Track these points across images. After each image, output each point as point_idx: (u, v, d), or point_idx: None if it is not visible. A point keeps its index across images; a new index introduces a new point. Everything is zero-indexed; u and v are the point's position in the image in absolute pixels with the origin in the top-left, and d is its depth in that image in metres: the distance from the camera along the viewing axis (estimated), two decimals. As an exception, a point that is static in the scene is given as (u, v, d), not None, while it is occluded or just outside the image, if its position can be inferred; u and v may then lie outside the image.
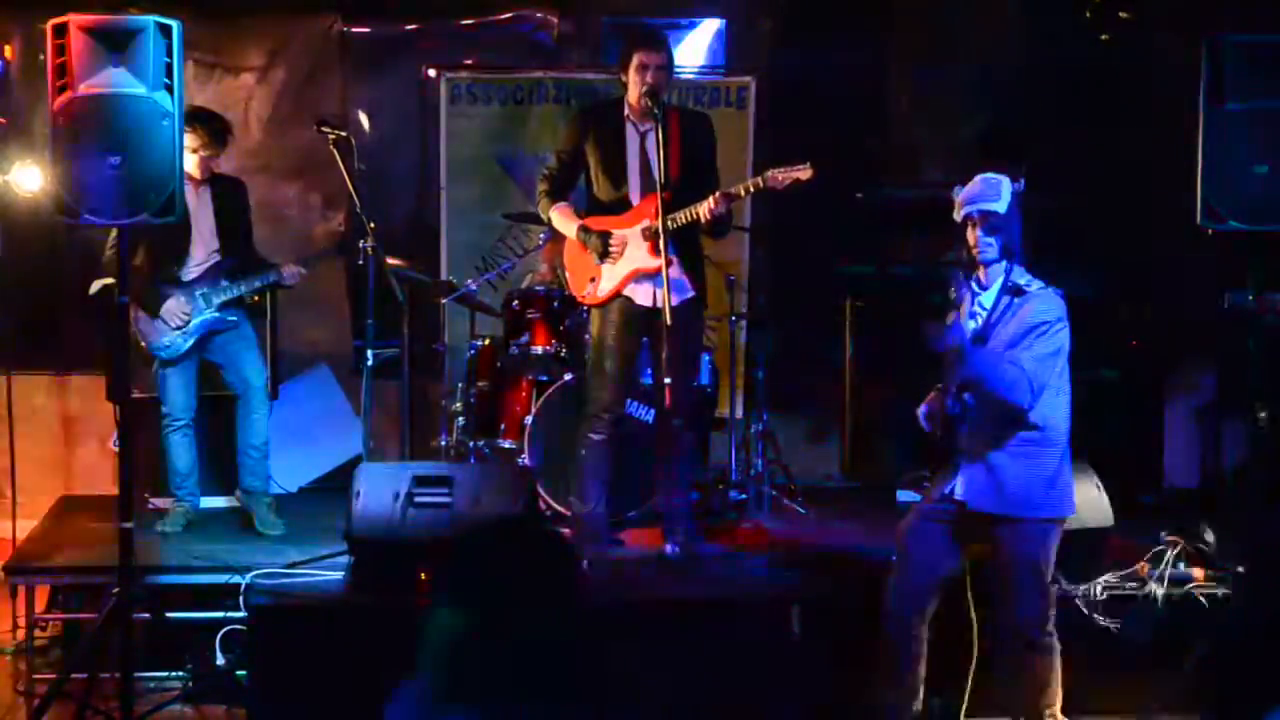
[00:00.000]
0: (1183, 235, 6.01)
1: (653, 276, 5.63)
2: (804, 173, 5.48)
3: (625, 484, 6.26)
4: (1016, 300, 4.57)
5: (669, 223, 5.50)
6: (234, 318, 6.22)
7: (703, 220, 5.57)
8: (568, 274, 5.99)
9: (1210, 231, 5.79)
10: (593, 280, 5.77)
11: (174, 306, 6.09)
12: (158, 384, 6.24)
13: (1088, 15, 7.91)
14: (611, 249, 5.68)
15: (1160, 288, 7.25)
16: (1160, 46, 7.40)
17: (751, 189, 5.63)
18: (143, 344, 6.13)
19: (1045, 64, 7.86)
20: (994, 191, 4.61)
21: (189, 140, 6.05)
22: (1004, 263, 4.61)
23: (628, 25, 7.95)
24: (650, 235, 5.63)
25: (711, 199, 5.52)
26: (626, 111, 5.76)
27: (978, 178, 4.69)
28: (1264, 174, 5.65)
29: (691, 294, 5.75)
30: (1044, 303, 4.56)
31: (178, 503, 6.31)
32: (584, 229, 5.74)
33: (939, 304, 4.75)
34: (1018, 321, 4.55)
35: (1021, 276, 4.61)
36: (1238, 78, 5.72)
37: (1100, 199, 7.45)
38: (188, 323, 6.10)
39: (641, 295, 5.73)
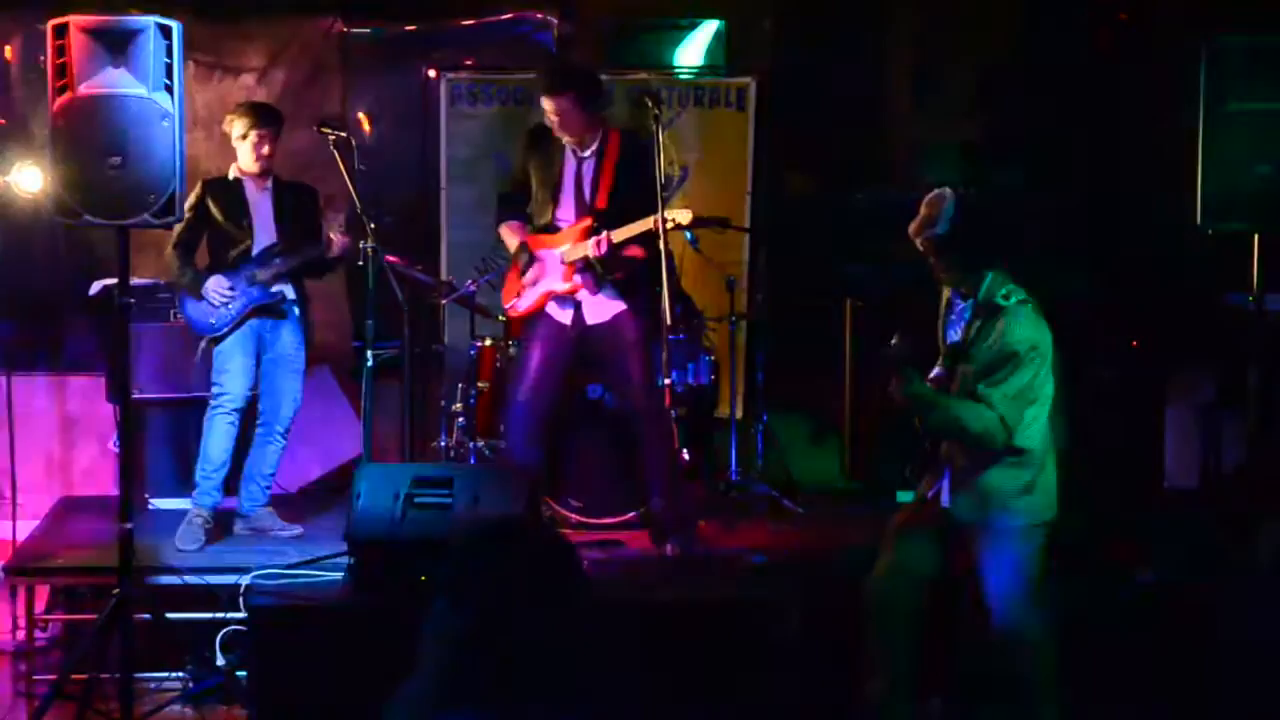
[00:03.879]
0: (1183, 235, 6.02)
1: (567, 298, 5.93)
2: (684, 216, 5.67)
3: (625, 484, 6.28)
4: (992, 318, 4.51)
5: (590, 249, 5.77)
6: (280, 291, 6.13)
7: (592, 257, 5.80)
8: (503, 286, 6.21)
9: (1210, 231, 5.80)
10: (518, 295, 6.04)
11: (215, 284, 6.05)
12: (213, 366, 6.12)
13: (1088, 15, 7.91)
14: (535, 269, 5.95)
15: (1160, 288, 7.24)
16: (1160, 46, 7.40)
17: (638, 231, 5.75)
18: (192, 331, 6.13)
19: (1045, 64, 7.86)
20: (934, 214, 4.53)
21: (237, 127, 6.08)
22: (974, 276, 4.56)
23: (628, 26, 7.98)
24: (567, 260, 5.86)
25: (594, 242, 5.76)
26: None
27: (925, 199, 4.61)
28: (1264, 174, 5.66)
29: (622, 307, 5.95)
30: (1019, 324, 4.45)
31: (196, 505, 6.12)
32: (522, 247, 6.00)
33: (898, 354, 4.63)
34: (994, 342, 4.46)
35: (1000, 288, 4.53)
36: (1238, 78, 5.73)
37: (1100, 199, 7.45)
38: (231, 299, 6.06)
39: (560, 314, 5.98)
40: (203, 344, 6.16)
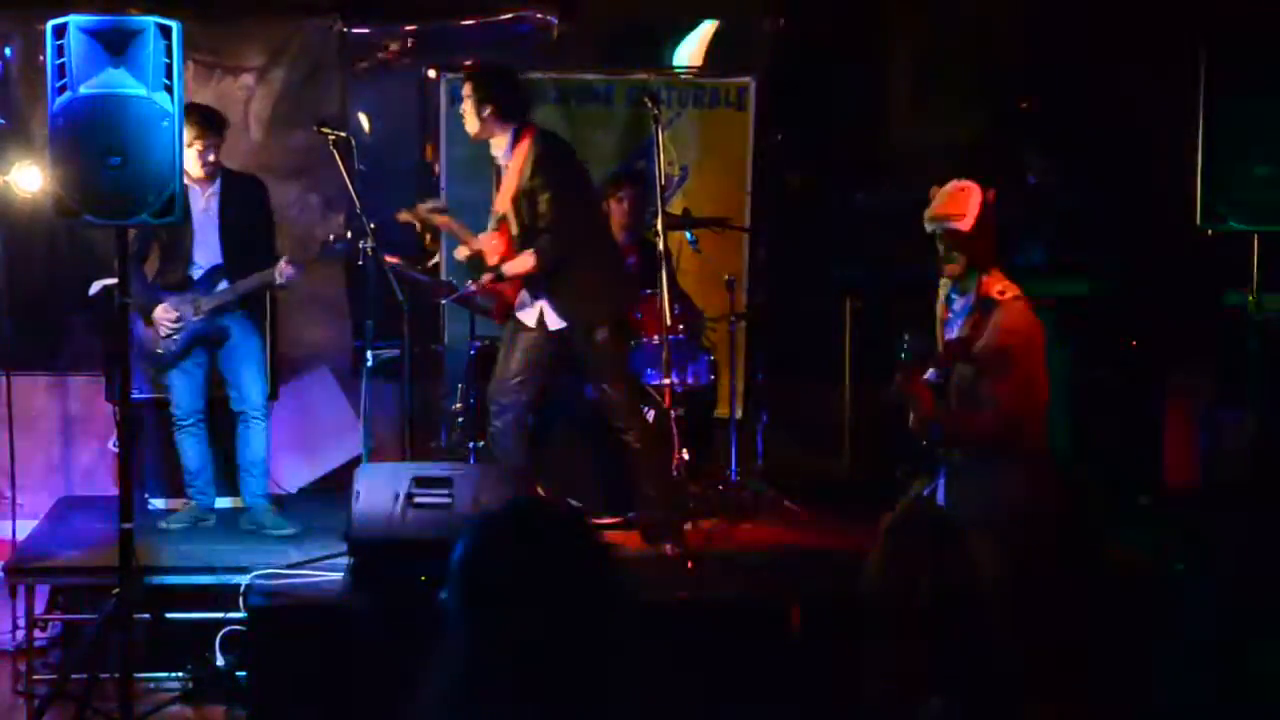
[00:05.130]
0: (1183, 235, 6.02)
1: (529, 302, 5.98)
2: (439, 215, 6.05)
3: (623, 484, 6.27)
4: (989, 313, 4.52)
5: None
6: (225, 323, 6.21)
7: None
8: None
9: (1210, 231, 5.81)
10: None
11: (162, 313, 6.14)
12: (166, 384, 6.31)
13: (1088, 15, 7.91)
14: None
15: (1160, 288, 7.24)
16: (1160, 46, 7.39)
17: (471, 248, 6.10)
18: (140, 350, 6.18)
19: (1045, 64, 7.86)
20: (958, 209, 4.52)
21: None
22: (976, 274, 4.56)
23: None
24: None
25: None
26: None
27: (944, 190, 4.60)
28: (1264, 174, 5.67)
29: (562, 325, 5.95)
30: (1013, 318, 4.48)
31: (187, 501, 6.38)
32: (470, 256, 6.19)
33: (902, 359, 4.62)
34: (989, 337, 4.49)
35: (996, 284, 4.55)
36: (1237, 77, 5.74)
37: (1100, 198, 7.45)
38: (177, 329, 6.13)
39: (526, 317, 6.01)
40: (150, 370, 6.33)
